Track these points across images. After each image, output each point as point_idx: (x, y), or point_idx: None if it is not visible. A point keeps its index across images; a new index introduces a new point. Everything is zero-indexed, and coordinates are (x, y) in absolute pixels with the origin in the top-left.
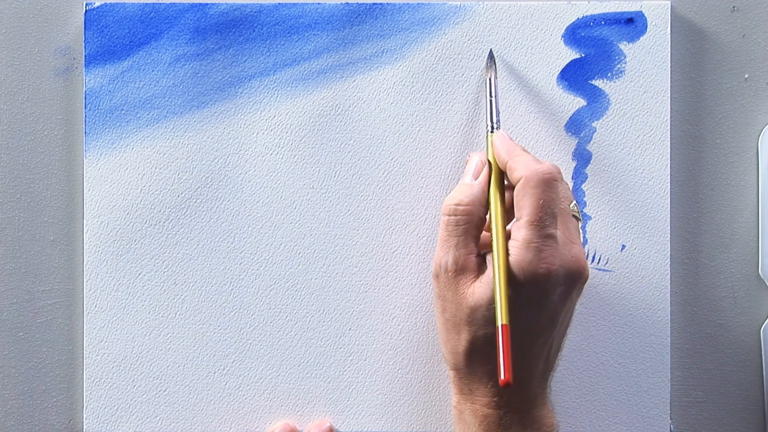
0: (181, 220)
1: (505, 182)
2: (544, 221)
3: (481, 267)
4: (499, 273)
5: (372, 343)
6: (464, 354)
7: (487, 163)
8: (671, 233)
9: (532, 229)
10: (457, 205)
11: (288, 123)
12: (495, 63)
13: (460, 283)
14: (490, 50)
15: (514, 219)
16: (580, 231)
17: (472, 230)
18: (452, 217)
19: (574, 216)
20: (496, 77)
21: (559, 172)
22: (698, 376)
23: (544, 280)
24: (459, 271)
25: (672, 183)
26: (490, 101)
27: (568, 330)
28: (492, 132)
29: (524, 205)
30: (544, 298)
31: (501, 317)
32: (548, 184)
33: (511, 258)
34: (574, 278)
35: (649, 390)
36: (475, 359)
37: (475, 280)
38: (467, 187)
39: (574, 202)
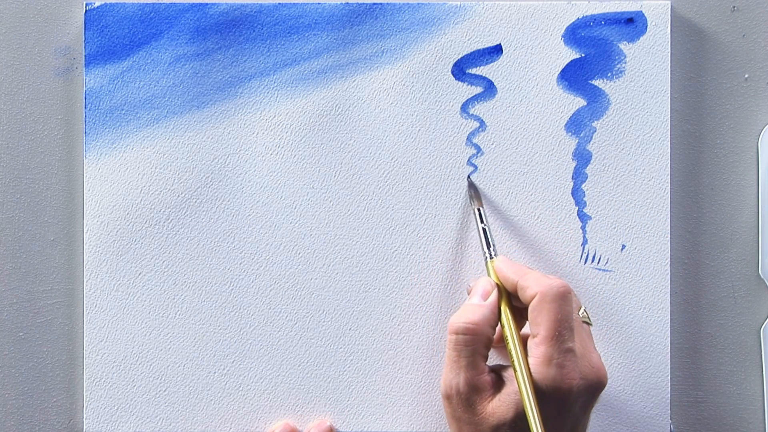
0: (181, 220)
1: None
2: (563, 336)
3: (495, 384)
4: (529, 401)
5: (372, 343)
6: None
7: (495, 285)
8: (671, 233)
9: (551, 345)
10: (467, 324)
11: (288, 123)
12: (477, 190)
13: (475, 403)
14: (468, 178)
15: (531, 336)
16: (592, 335)
17: (481, 350)
18: (461, 336)
19: (585, 322)
20: (482, 205)
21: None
22: (698, 376)
23: (566, 395)
24: (473, 391)
25: (672, 183)
26: (483, 230)
27: None
28: (491, 258)
29: (541, 321)
30: (566, 411)
31: None
32: (564, 298)
33: (533, 376)
34: (595, 388)
35: (649, 390)
36: None
37: (492, 399)
38: (476, 307)
39: (583, 308)
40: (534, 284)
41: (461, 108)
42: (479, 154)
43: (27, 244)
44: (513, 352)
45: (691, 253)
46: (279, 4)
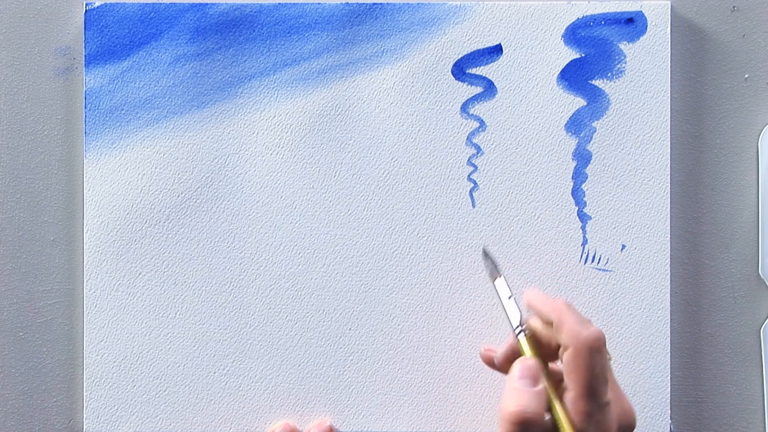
0: (181, 220)
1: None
2: (599, 391)
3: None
4: None
5: (372, 343)
6: None
7: (540, 367)
8: (671, 233)
9: (589, 401)
10: (529, 414)
11: (288, 123)
12: (494, 261)
13: None
14: (483, 250)
15: (566, 389)
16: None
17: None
18: (519, 427)
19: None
20: (501, 275)
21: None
22: (698, 376)
23: None
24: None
25: (672, 183)
26: (509, 302)
27: None
28: (522, 333)
29: (577, 378)
30: None
31: None
32: (598, 351)
33: None
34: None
35: (649, 390)
36: None
37: None
38: (530, 394)
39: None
40: (567, 334)
41: (461, 108)
42: (479, 154)
43: (27, 244)
44: (558, 419)
45: (691, 253)
46: (279, 4)
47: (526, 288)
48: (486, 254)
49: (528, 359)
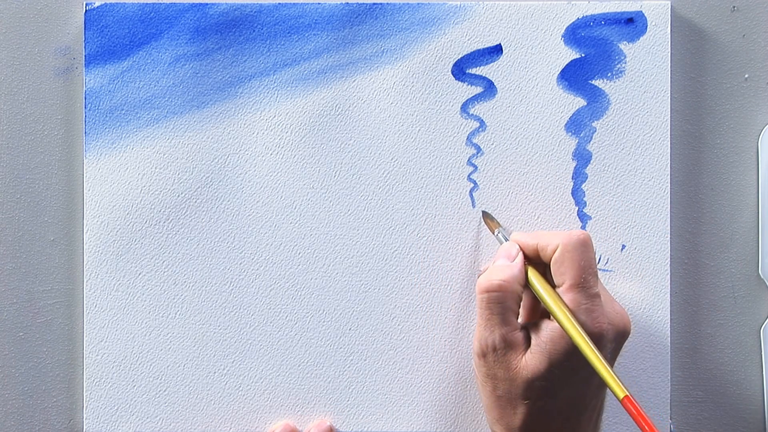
0: (181, 220)
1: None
2: (588, 282)
3: (527, 340)
4: (587, 348)
5: (372, 343)
6: (521, 428)
7: (520, 249)
8: (671, 233)
9: (578, 291)
10: (499, 281)
11: (288, 123)
12: (491, 217)
13: (510, 358)
14: (482, 212)
15: (556, 287)
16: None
17: (513, 306)
18: (494, 294)
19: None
20: (500, 227)
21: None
22: (698, 376)
23: (597, 340)
24: (508, 347)
25: (672, 183)
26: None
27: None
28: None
29: (566, 270)
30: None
31: (619, 390)
32: (585, 245)
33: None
34: (622, 335)
35: (649, 390)
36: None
37: (524, 353)
38: (504, 266)
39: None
40: (554, 238)
41: (461, 108)
42: (479, 154)
43: (27, 244)
44: (550, 302)
45: (691, 253)
46: (279, 4)
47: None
48: (486, 214)
49: (505, 244)
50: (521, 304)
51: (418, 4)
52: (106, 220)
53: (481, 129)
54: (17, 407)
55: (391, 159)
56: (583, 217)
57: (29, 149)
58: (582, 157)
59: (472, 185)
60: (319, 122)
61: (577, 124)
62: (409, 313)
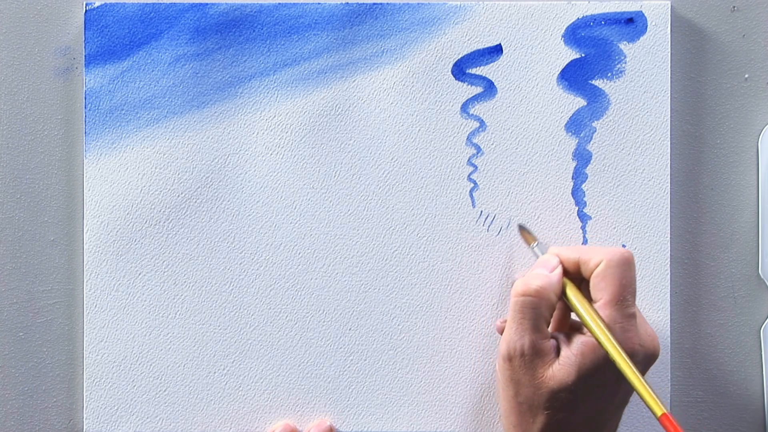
0: (181, 220)
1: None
2: (627, 301)
3: (556, 350)
4: (624, 364)
5: (372, 343)
6: None
7: (559, 260)
8: (671, 233)
9: (615, 308)
10: (537, 287)
11: (288, 123)
12: (528, 230)
13: (537, 366)
14: (519, 225)
15: (593, 301)
16: None
17: (545, 314)
18: (528, 299)
19: None
20: (537, 241)
21: None
22: (698, 376)
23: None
24: (536, 354)
25: (672, 183)
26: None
27: None
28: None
29: (605, 286)
30: (623, 377)
31: (657, 408)
32: (628, 263)
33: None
34: (650, 358)
35: None
36: None
37: (552, 363)
38: (543, 275)
39: None
40: (596, 253)
41: (461, 108)
42: (479, 154)
43: (27, 244)
44: (586, 316)
45: (691, 253)
46: (279, 4)
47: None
48: (523, 228)
49: (545, 255)
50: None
51: (418, 4)
52: (106, 220)
53: (481, 129)
54: (17, 407)
55: (391, 159)
56: (583, 217)
57: (29, 149)
58: (582, 157)
59: (472, 185)
60: (319, 122)
61: (577, 124)
62: (409, 313)
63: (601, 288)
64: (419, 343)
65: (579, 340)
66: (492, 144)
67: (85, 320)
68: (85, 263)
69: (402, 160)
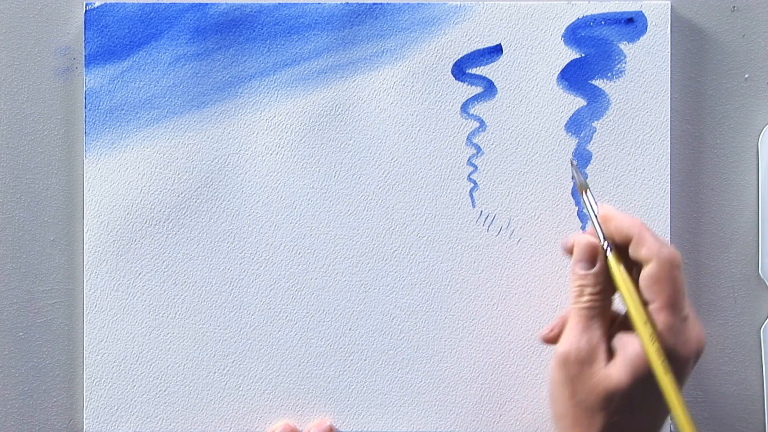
0: (181, 220)
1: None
2: (681, 304)
3: (611, 349)
4: (667, 388)
5: (372, 343)
6: None
7: (599, 248)
8: (671, 233)
9: (673, 314)
10: (591, 293)
11: (288, 123)
12: (580, 173)
13: (594, 366)
14: (571, 160)
15: (648, 303)
16: None
17: (605, 314)
18: (585, 305)
19: None
20: (588, 189)
21: None
22: (698, 376)
23: (685, 364)
24: (594, 355)
25: (672, 183)
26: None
27: None
28: (609, 250)
29: (663, 289)
30: (681, 377)
31: (687, 428)
32: (680, 267)
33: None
34: (700, 354)
35: None
36: None
37: (608, 364)
38: (591, 275)
39: None
40: (650, 249)
41: (461, 108)
42: (479, 154)
43: (27, 244)
44: (639, 324)
45: (691, 253)
46: (279, 4)
47: (601, 204)
48: (573, 165)
49: (586, 240)
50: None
51: (418, 4)
52: (106, 220)
53: (481, 129)
54: (17, 407)
55: (391, 159)
56: (583, 217)
57: (29, 149)
58: (582, 157)
59: (472, 185)
60: (319, 122)
61: (577, 124)
62: (408, 313)
63: (654, 291)
64: (419, 343)
65: (636, 341)
66: (492, 144)
67: (85, 320)
68: (85, 263)
69: (402, 160)
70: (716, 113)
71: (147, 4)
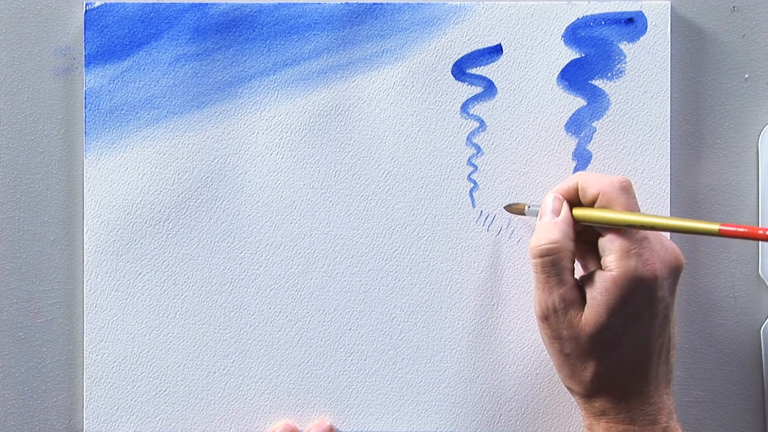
0: (181, 220)
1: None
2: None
3: (584, 296)
4: (657, 219)
5: (372, 343)
6: (592, 381)
7: (562, 198)
8: (671, 233)
9: (625, 236)
10: (550, 243)
11: (288, 123)
12: (514, 204)
13: (572, 317)
14: (505, 207)
15: (601, 236)
16: None
17: (568, 264)
18: (547, 258)
19: None
20: (527, 205)
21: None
22: (698, 376)
23: (652, 282)
24: (569, 305)
25: (672, 183)
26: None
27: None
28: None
29: None
30: (655, 299)
31: (711, 225)
32: (626, 190)
33: (614, 271)
34: (676, 270)
35: None
36: (605, 383)
37: (583, 309)
38: (552, 225)
39: None
40: (594, 184)
41: (461, 108)
42: (479, 154)
43: (27, 244)
44: (605, 214)
45: (691, 253)
46: (279, 4)
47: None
48: (507, 208)
49: (547, 196)
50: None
51: (418, 4)
52: (106, 220)
53: (481, 129)
54: (17, 407)
55: (391, 159)
56: None
57: (29, 149)
58: (582, 157)
59: (472, 185)
60: (319, 122)
61: (577, 124)
62: (409, 313)
63: None
64: (419, 343)
65: (600, 278)
66: (492, 144)
67: (85, 320)
68: (85, 263)
69: (402, 160)
70: (716, 113)
71: (147, 4)
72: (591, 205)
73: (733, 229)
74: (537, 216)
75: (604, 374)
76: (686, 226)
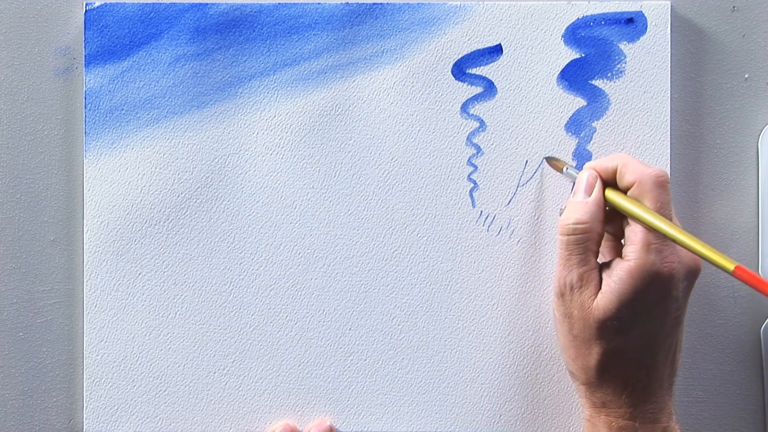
0: (181, 220)
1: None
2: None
3: (601, 281)
4: (683, 236)
5: (372, 343)
6: (596, 368)
7: (598, 177)
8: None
9: (649, 230)
10: (577, 224)
11: (288, 123)
12: (555, 158)
13: (585, 298)
14: (545, 158)
15: (627, 224)
16: None
17: (592, 246)
18: (572, 237)
19: None
20: (566, 165)
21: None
22: (698, 376)
23: (668, 280)
24: (585, 286)
25: (672, 183)
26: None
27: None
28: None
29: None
30: (669, 297)
31: (728, 263)
32: (662, 186)
33: (632, 261)
34: (693, 274)
35: None
36: (608, 372)
37: (597, 293)
38: (582, 204)
39: None
40: (632, 172)
41: (461, 108)
42: (479, 154)
43: (27, 244)
44: (634, 209)
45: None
46: (279, 4)
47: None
48: (548, 159)
49: (583, 172)
50: (602, 242)
51: (418, 4)
52: (106, 220)
53: (481, 129)
54: (17, 407)
55: (391, 159)
56: None
57: (29, 149)
58: (582, 157)
59: (472, 185)
60: (319, 122)
61: (577, 124)
62: (409, 313)
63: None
64: (419, 343)
65: (618, 267)
66: (492, 144)
67: (85, 320)
68: (85, 263)
69: (402, 160)
70: (716, 113)
71: (147, 4)
72: (626, 190)
73: (746, 275)
74: (571, 180)
75: (608, 363)
76: (704, 252)
